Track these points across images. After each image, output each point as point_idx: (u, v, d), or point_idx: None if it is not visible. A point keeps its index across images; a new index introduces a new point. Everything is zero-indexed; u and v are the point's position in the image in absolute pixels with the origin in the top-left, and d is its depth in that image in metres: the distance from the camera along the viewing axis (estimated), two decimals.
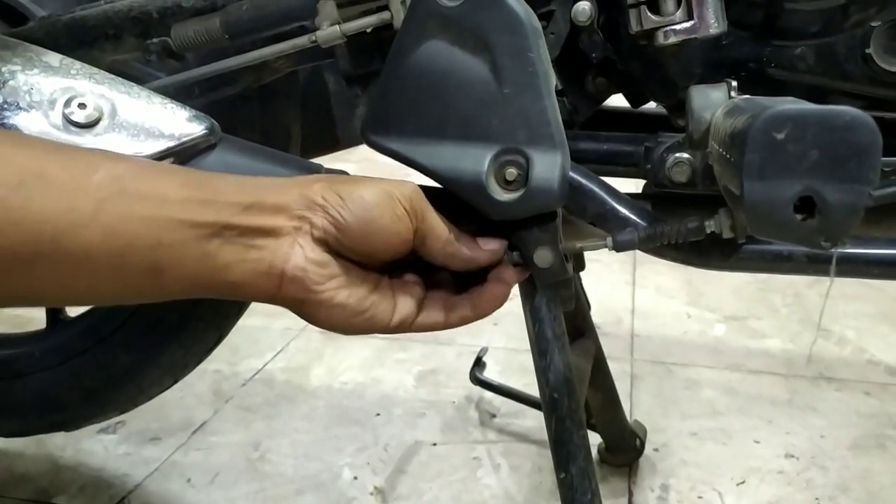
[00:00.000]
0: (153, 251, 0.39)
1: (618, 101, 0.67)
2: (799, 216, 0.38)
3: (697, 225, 0.49)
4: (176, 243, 0.40)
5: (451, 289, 0.49)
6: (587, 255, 0.65)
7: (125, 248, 0.39)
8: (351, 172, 0.54)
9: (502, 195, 0.47)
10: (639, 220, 0.55)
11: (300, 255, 0.42)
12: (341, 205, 0.43)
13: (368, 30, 0.56)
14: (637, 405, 1.12)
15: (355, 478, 0.97)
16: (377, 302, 0.45)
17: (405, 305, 0.46)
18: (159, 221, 0.39)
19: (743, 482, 0.95)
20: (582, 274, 0.78)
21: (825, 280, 0.81)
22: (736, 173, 0.39)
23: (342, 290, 0.43)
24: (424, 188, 0.47)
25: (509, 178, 0.47)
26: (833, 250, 0.41)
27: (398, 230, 0.44)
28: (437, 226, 0.46)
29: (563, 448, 0.63)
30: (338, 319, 0.44)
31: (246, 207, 0.41)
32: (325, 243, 0.43)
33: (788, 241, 0.41)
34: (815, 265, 0.54)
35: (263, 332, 1.33)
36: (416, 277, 0.48)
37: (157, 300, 0.43)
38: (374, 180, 0.45)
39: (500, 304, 0.49)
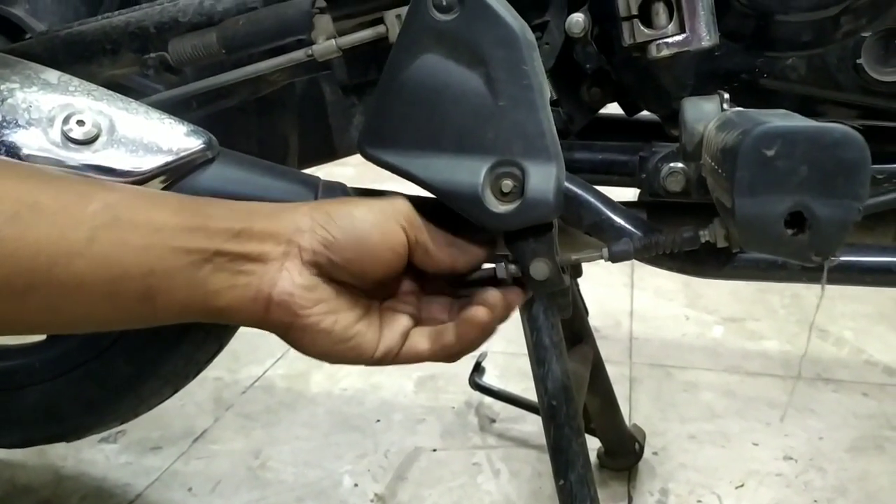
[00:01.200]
0: (146, 278, 0.40)
1: (612, 108, 0.67)
2: (790, 231, 0.39)
3: (692, 234, 0.49)
4: (168, 270, 0.40)
5: (445, 317, 0.48)
6: None
7: (118, 276, 0.39)
8: (348, 177, 0.55)
9: (498, 207, 0.47)
10: (634, 230, 0.55)
11: (287, 280, 0.42)
12: (329, 223, 0.43)
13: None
14: (636, 409, 1.12)
15: (356, 485, 0.97)
16: (363, 331, 0.45)
17: (390, 337, 0.46)
18: (152, 249, 0.40)
19: (742, 485, 0.95)
20: (580, 278, 0.79)
21: None
22: (727, 188, 0.39)
23: (329, 316, 0.44)
24: (419, 201, 0.47)
25: (505, 189, 0.47)
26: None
27: (391, 245, 0.44)
28: (437, 232, 0.46)
29: (562, 455, 0.64)
30: (322, 345, 0.44)
31: (236, 234, 0.42)
32: (315, 265, 0.43)
33: (780, 256, 0.42)
34: (809, 273, 0.54)
35: (263, 338, 1.32)
36: (409, 307, 0.48)
37: (148, 325, 0.43)
38: (365, 200, 0.46)
39: (486, 334, 0.46)
